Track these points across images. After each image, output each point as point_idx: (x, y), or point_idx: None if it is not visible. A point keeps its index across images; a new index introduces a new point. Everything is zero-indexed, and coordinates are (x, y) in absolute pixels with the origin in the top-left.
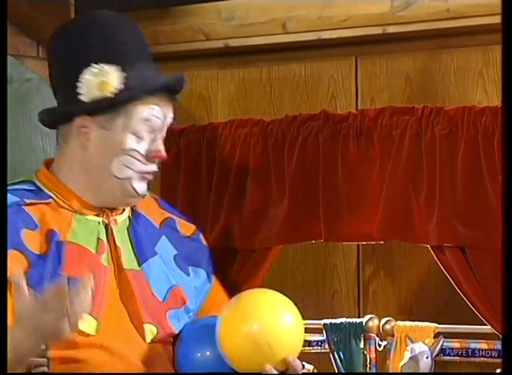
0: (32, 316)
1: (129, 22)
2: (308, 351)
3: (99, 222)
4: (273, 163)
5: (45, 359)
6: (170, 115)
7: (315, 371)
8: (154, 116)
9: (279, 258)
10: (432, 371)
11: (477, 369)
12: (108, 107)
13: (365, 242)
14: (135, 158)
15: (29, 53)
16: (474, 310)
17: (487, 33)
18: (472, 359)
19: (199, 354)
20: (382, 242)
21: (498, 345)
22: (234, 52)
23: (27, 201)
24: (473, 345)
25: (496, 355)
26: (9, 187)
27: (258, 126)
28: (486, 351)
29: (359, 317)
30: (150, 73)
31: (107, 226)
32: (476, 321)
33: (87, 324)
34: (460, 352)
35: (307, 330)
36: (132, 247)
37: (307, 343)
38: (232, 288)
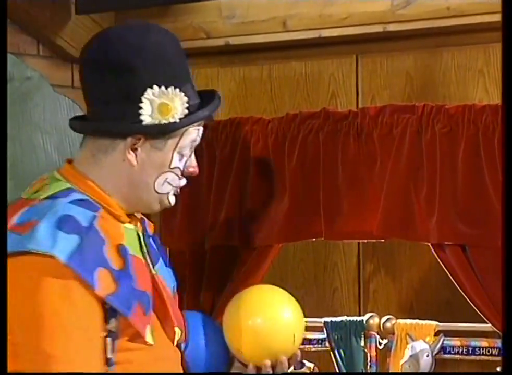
0: None
1: (176, 39)
2: (309, 349)
3: (134, 230)
4: (273, 161)
5: (109, 368)
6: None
7: (316, 369)
8: (198, 137)
9: (279, 256)
10: (432, 369)
11: (477, 367)
12: (170, 131)
13: (365, 241)
14: (177, 175)
15: (29, 51)
16: (475, 308)
17: (488, 31)
18: (472, 357)
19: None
20: (382, 240)
21: (498, 343)
22: (235, 50)
23: (98, 214)
24: (473, 343)
25: (496, 354)
26: (62, 199)
27: (258, 124)
28: (487, 349)
29: (359, 315)
30: (196, 92)
31: (138, 234)
32: (477, 319)
33: (151, 334)
34: (460, 350)
35: (307, 328)
36: (148, 251)
37: (308, 341)
38: (232, 287)
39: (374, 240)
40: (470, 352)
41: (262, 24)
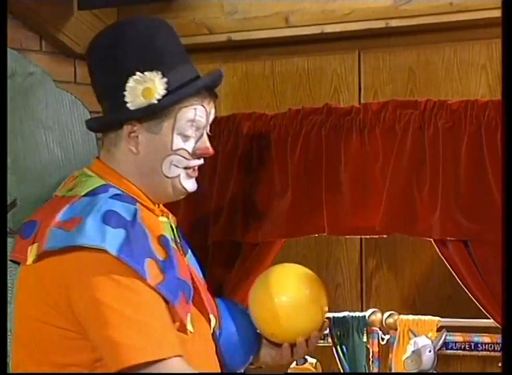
0: None
1: (164, 25)
2: None
3: (167, 222)
4: (276, 157)
5: None
6: (212, 112)
7: (318, 364)
8: (198, 116)
9: (282, 252)
10: (435, 365)
11: (480, 362)
12: (154, 113)
13: (368, 236)
14: (183, 157)
15: (32, 47)
16: (477, 304)
17: (491, 26)
18: (474, 352)
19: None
20: (385, 236)
21: (500, 339)
22: (237, 46)
23: (138, 208)
24: (476, 339)
25: (498, 349)
26: (102, 194)
27: (261, 120)
28: (489, 345)
29: (362, 311)
30: (190, 74)
31: (171, 225)
32: (479, 314)
33: (190, 324)
34: (463, 346)
35: None
36: (180, 242)
37: None
38: (235, 282)
39: (377, 236)
40: (473, 347)
41: (264, 20)
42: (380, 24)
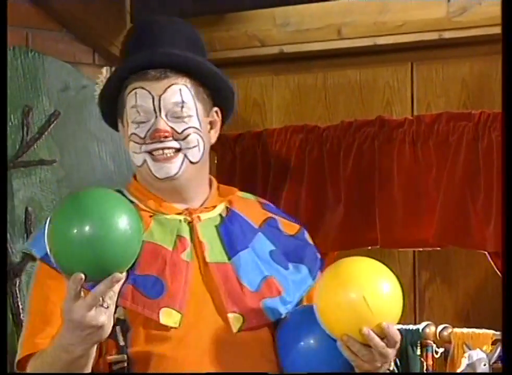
0: (72, 311)
1: (161, 19)
2: None
3: (180, 220)
4: (328, 169)
5: (124, 356)
6: (168, 92)
7: None
8: (140, 100)
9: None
10: None
11: None
12: (100, 104)
13: (421, 249)
14: (136, 142)
15: (85, 60)
16: None
17: None
18: None
19: (300, 338)
20: (438, 248)
21: None
22: (289, 58)
23: None
24: None
25: None
26: None
27: (313, 132)
28: None
29: (415, 324)
30: (138, 60)
31: (190, 224)
32: None
33: (171, 318)
34: None
35: None
36: (222, 242)
37: None
38: None
39: (430, 249)
40: None
41: (317, 32)
42: (433, 36)
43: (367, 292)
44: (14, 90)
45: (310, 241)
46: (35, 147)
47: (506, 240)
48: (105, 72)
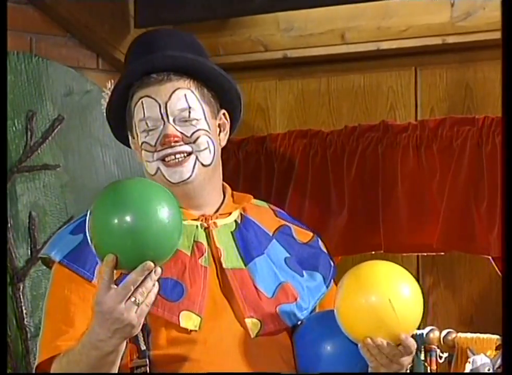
0: (103, 303)
1: (167, 30)
2: None
3: (197, 226)
4: (332, 174)
5: (145, 360)
6: (174, 99)
7: None
8: (147, 112)
9: (338, 269)
10: None
11: None
12: (109, 117)
13: (425, 253)
14: (147, 150)
15: (89, 65)
16: None
17: None
18: None
19: (318, 343)
20: (442, 253)
21: None
22: (293, 63)
23: None
24: None
25: None
26: None
27: (317, 137)
28: None
29: (419, 328)
30: (139, 66)
31: (206, 230)
32: None
33: (190, 321)
34: None
35: None
36: (238, 248)
37: None
38: None
39: (434, 253)
40: None
41: (320, 37)
42: (436, 41)
43: (392, 296)
44: (18, 95)
45: (324, 249)
46: (39, 151)
47: (506, 245)
48: (109, 85)
